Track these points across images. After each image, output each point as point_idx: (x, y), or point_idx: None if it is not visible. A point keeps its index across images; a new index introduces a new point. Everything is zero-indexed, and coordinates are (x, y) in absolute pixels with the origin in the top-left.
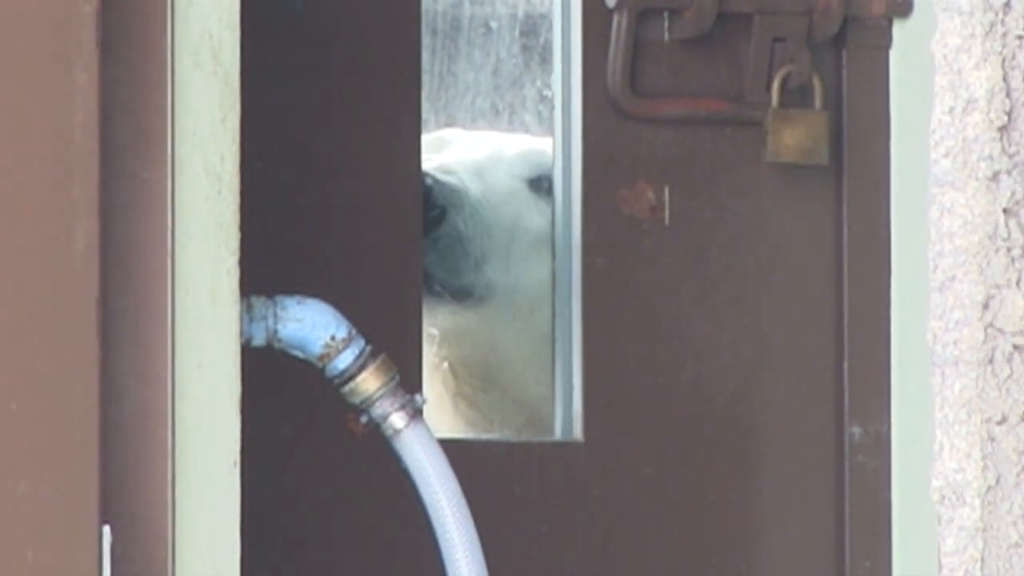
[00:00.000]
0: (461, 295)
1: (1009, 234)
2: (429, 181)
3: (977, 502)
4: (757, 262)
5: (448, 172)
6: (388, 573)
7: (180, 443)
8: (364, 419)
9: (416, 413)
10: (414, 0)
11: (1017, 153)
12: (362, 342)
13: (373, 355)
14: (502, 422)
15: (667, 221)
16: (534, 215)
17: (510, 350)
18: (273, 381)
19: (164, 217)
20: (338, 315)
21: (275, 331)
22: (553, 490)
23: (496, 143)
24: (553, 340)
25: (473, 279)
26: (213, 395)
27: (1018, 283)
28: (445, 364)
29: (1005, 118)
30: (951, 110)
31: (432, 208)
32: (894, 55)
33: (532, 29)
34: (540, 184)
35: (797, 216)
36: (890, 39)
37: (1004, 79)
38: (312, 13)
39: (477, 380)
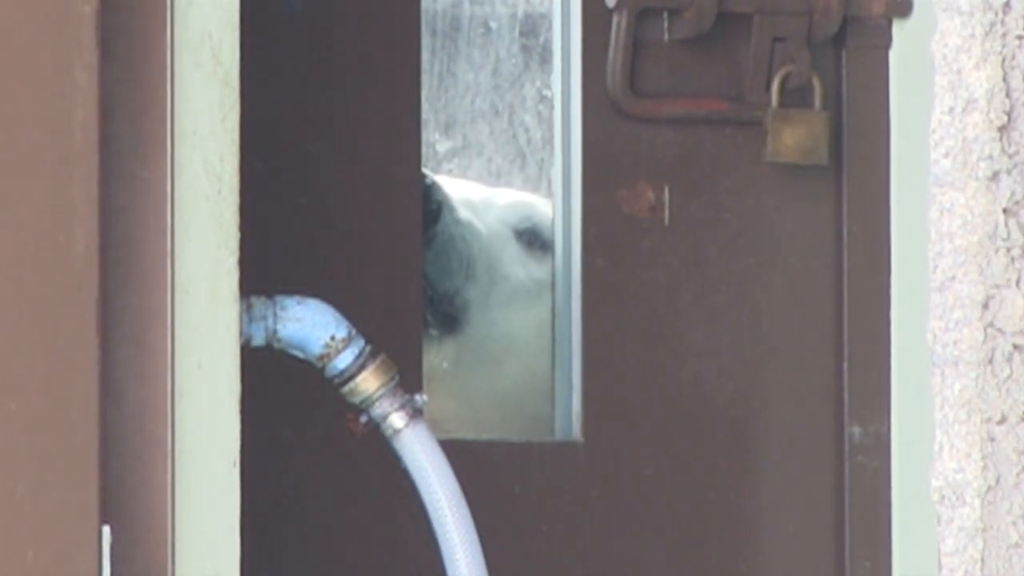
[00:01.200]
0: (445, 305)
1: (1009, 234)
2: (428, 180)
3: (977, 502)
4: (757, 262)
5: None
6: (388, 573)
7: (180, 443)
8: (364, 419)
9: (416, 413)
10: (414, 0)
11: (1017, 153)
12: (362, 342)
13: (373, 355)
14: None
15: (667, 221)
16: (515, 264)
17: (476, 404)
18: (273, 381)
19: (164, 217)
20: (338, 315)
21: (275, 331)
22: (553, 490)
23: (487, 191)
24: (553, 340)
25: (461, 285)
26: (213, 395)
27: (1018, 283)
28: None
29: (1005, 118)
30: (951, 110)
31: (429, 202)
32: (894, 55)
33: (532, 29)
34: (528, 237)
35: (797, 216)
36: (890, 39)
37: (1004, 79)
38: (312, 13)
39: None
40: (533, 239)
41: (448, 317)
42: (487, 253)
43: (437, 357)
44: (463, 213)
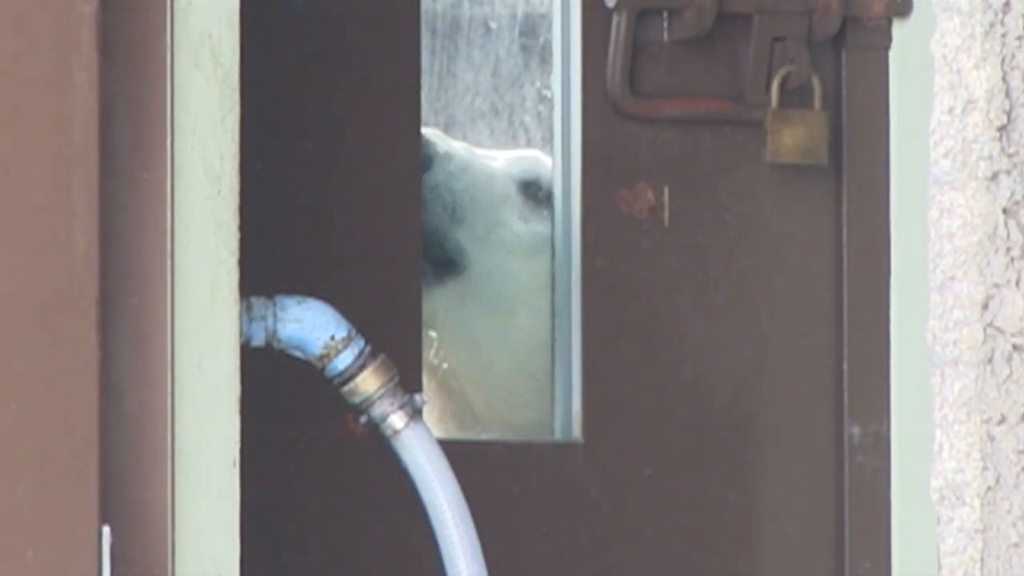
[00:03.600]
0: (434, 248)
1: (1009, 234)
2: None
3: (976, 502)
4: (757, 262)
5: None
6: (388, 573)
7: (180, 443)
8: (364, 419)
9: (416, 413)
10: (414, 0)
11: (1017, 153)
12: (362, 342)
13: (373, 355)
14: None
15: (666, 222)
16: (514, 216)
17: (492, 355)
18: (273, 381)
19: (164, 217)
20: (338, 315)
21: (274, 331)
22: (553, 490)
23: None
24: (552, 340)
25: (448, 228)
26: (213, 395)
27: (1018, 283)
28: (444, 365)
29: (1005, 118)
30: (951, 110)
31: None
32: (894, 55)
33: (531, 29)
34: (531, 190)
35: (797, 216)
36: (890, 39)
37: (1004, 79)
38: (312, 13)
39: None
40: (536, 192)
41: (441, 261)
42: (484, 199)
43: (441, 299)
44: (459, 160)
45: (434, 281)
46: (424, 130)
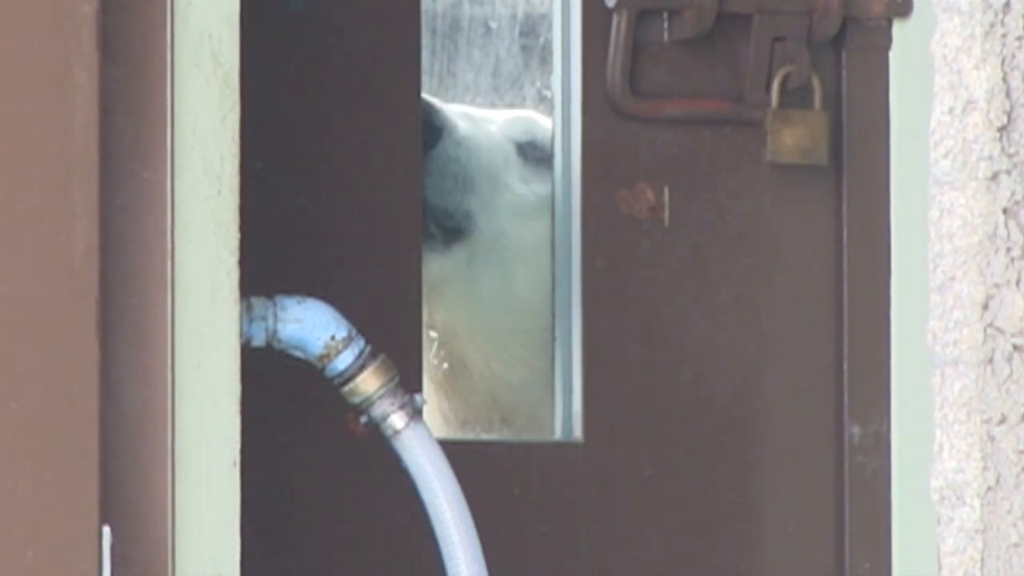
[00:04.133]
0: (445, 220)
1: (1009, 234)
2: (426, 104)
3: (977, 502)
4: (757, 262)
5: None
6: (388, 573)
7: (180, 443)
8: (364, 419)
9: (416, 413)
10: (414, 0)
11: (1017, 153)
12: (362, 342)
13: (373, 355)
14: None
15: (667, 222)
16: (515, 177)
17: (495, 314)
18: (273, 381)
19: (164, 217)
20: (338, 315)
21: (275, 331)
22: (553, 490)
23: (488, 111)
24: (553, 340)
25: (460, 199)
26: (213, 395)
27: (1018, 283)
28: (445, 365)
29: (1005, 118)
30: (951, 110)
31: (428, 126)
32: (894, 55)
33: (532, 29)
34: (529, 151)
35: (797, 216)
36: (890, 39)
37: (1004, 79)
38: (312, 13)
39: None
40: (534, 152)
41: (451, 230)
42: (488, 165)
43: (449, 262)
44: (463, 129)
45: (443, 247)
46: (426, 97)
